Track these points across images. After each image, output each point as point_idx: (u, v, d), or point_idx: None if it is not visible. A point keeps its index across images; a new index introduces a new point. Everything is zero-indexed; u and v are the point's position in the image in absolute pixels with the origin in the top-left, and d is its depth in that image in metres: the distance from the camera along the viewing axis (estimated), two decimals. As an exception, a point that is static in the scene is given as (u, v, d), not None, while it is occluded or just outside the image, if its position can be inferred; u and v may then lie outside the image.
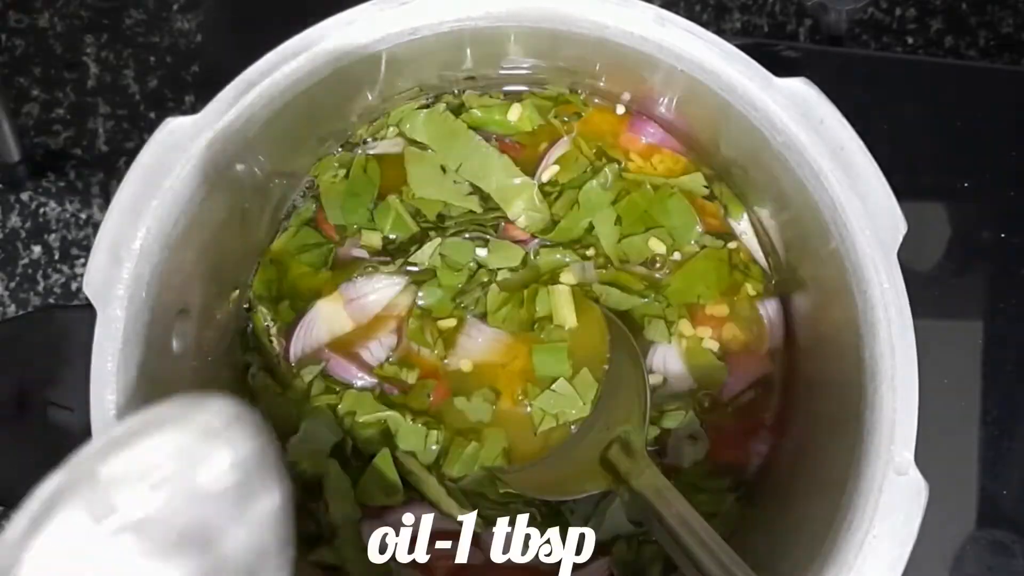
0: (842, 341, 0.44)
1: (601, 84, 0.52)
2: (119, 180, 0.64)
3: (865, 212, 0.42)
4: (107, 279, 0.41)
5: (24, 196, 0.64)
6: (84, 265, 0.64)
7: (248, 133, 0.44)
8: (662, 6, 0.44)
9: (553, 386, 0.51)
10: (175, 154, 0.43)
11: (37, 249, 0.63)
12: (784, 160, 0.44)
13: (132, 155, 0.64)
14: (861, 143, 0.43)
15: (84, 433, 0.40)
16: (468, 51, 0.48)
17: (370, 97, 0.50)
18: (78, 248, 0.63)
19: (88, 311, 0.42)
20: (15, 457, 0.45)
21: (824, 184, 0.43)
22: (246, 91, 0.43)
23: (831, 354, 0.47)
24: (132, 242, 0.42)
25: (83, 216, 0.64)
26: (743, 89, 0.43)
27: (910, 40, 0.66)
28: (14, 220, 0.64)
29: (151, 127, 0.64)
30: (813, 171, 0.43)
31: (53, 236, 0.63)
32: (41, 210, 0.64)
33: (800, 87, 0.43)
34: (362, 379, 0.52)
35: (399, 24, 0.44)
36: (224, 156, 0.43)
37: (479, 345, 0.52)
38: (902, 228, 0.42)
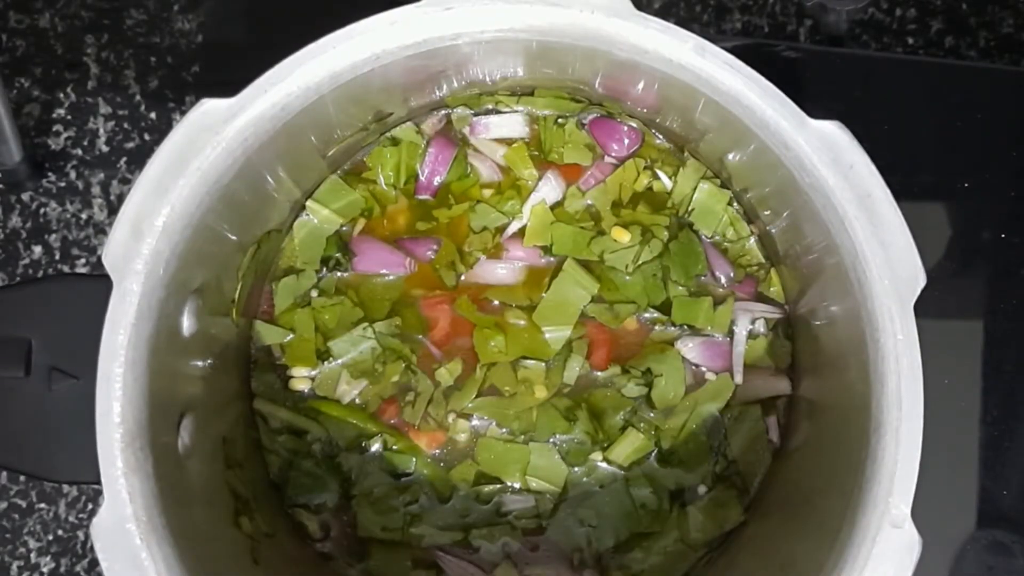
0: (849, 388, 0.44)
1: (641, 110, 0.52)
2: (119, 180, 0.64)
3: (886, 261, 0.41)
4: (127, 253, 0.41)
5: (24, 196, 0.64)
6: (85, 265, 0.64)
7: (282, 121, 0.43)
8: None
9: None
10: (207, 135, 0.42)
11: (37, 249, 0.63)
12: (809, 200, 0.43)
13: (132, 155, 0.64)
14: (888, 192, 0.42)
15: (88, 403, 0.41)
16: (507, 60, 0.48)
17: (402, 102, 0.50)
18: (79, 248, 0.63)
19: (100, 282, 0.42)
20: (16, 419, 0.45)
21: (848, 230, 0.42)
22: (283, 79, 0.43)
23: (837, 399, 0.47)
24: (155, 218, 0.41)
25: (83, 216, 0.64)
26: (776, 127, 0.43)
27: (910, 40, 0.66)
28: (14, 220, 0.64)
29: (151, 127, 0.65)
30: (838, 215, 0.42)
31: (53, 236, 0.63)
32: (41, 210, 0.64)
33: (833, 130, 0.42)
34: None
35: (441, 29, 0.43)
36: (255, 141, 0.43)
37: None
38: (921, 281, 0.41)
